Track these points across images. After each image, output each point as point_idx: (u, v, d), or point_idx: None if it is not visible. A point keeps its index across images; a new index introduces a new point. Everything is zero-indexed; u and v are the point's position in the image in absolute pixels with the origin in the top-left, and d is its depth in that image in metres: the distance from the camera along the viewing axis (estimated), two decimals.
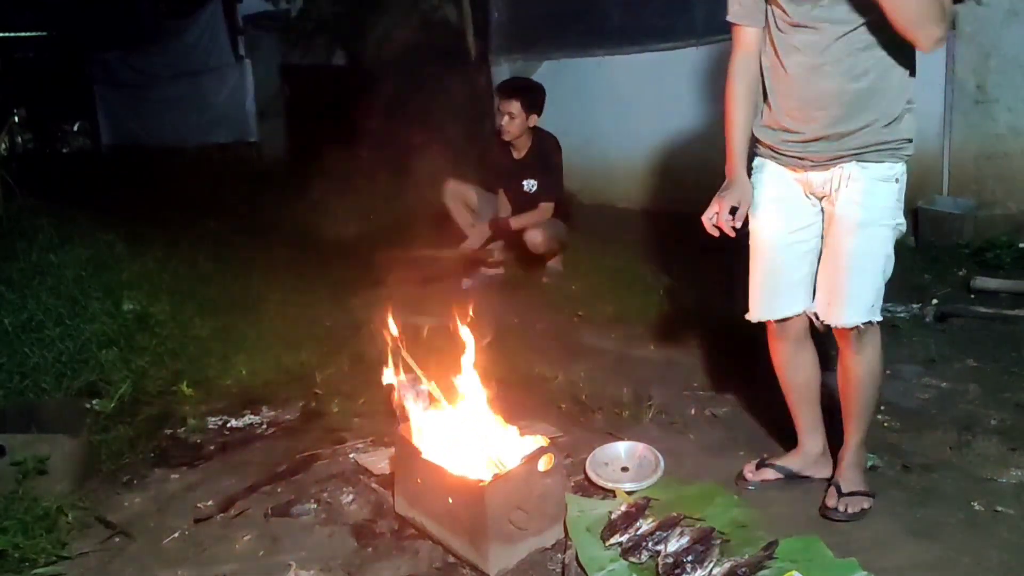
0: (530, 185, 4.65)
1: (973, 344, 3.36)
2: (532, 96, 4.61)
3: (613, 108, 6.87)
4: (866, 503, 2.17)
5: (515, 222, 4.60)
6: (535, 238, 4.54)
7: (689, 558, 1.89)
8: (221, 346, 3.61)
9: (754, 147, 2.22)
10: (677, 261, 4.88)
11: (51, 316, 3.56)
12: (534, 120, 4.53)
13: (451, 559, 2.07)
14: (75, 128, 15.17)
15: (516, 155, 4.63)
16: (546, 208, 4.58)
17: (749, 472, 2.38)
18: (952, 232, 4.78)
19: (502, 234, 4.67)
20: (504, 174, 4.72)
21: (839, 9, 1.92)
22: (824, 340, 2.30)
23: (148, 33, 11.86)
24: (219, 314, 4.05)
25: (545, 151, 4.64)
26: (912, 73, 2.01)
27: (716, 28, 6.04)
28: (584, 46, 6.99)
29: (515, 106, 4.44)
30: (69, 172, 11.00)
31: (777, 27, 2.06)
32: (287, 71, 10.48)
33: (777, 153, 2.15)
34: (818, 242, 2.18)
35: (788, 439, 2.58)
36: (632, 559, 1.97)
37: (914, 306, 3.89)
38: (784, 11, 2.01)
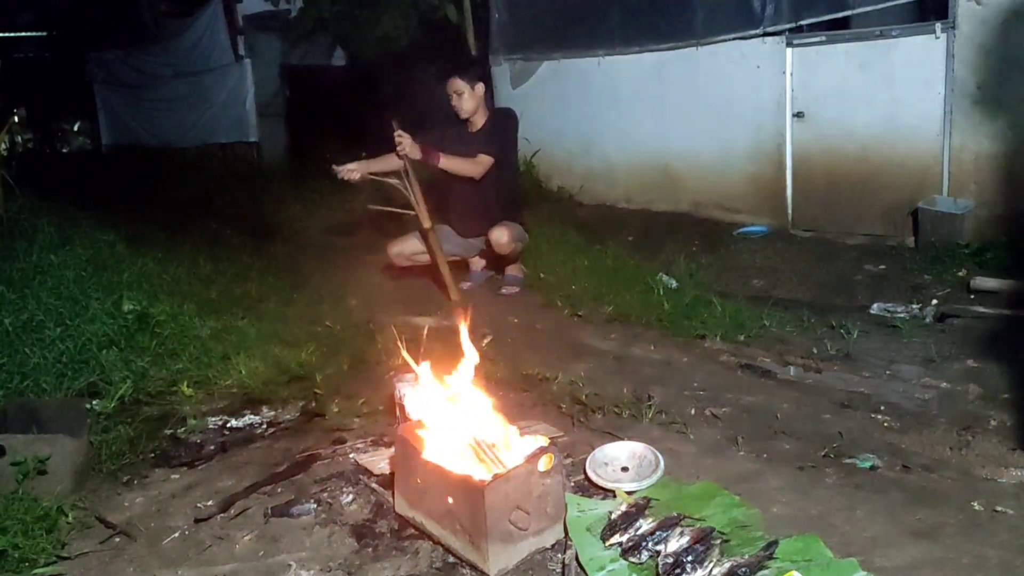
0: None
1: (973, 344, 3.36)
2: (469, 68, 4.62)
3: (613, 108, 6.88)
4: None
5: (445, 160, 4.26)
6: (500, 237, 4.35)
7: (689, 558, 1.89)
8: (221, 346, 3.60)
9: None
10: (676, 261, 4.89)
11: (51, 316, 3.56)
12: (481, 89, 4.43)
13: (451, 559, 2.07)
14: (75, 128, 15.19)
15: (471, 129, 4.52)
16: (483, 159, 4.33)
17: None
18: (952, 232, 4.78)
19: (425, 162, 4.27)
20: (454, 138, 4.47)
21: None
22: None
23: (148, 33, 11.85)
24: (219, 314, 4.04)
25: (500, 125, 4.54)
26: None
27: (716, 28, 6.07)
28: (584, 46, 6.99)
29: (459, 84, 4.38)
30: (69, 172, 11.00)
31: None
32: (287, 71, 10.49)
33: None
34: None
35: (788, 438, 2.59)
36: (632, 559, 1.97)
37: (914, 306, 3.89)
38: None
